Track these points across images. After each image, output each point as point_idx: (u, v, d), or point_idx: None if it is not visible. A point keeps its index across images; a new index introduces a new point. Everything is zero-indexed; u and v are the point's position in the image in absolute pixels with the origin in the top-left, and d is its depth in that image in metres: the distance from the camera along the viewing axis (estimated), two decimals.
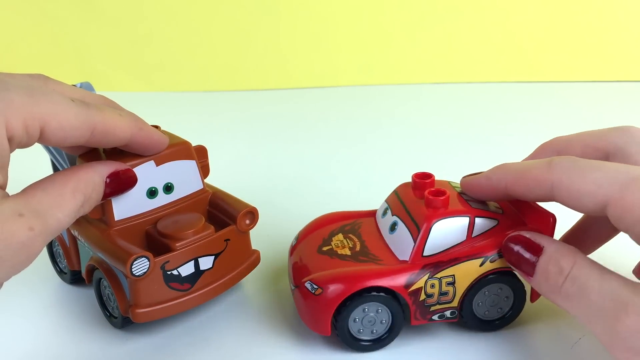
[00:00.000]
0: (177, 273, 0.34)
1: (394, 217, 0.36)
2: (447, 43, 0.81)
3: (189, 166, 0.37)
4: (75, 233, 0.36)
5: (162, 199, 0.36)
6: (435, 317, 0.34)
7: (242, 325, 0.37)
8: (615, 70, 0.80)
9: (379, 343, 0.34)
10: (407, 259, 0.33)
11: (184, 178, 0.37)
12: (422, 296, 0.33)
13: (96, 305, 0.38)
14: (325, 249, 0.36)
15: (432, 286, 0.33)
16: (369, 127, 0.68)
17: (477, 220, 0.33)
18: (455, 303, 0.33)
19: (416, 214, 0.34)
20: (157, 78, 0.82)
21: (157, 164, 0.36)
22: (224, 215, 0.38)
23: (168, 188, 0.36)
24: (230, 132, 0.67)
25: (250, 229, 0.37)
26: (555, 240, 0.31)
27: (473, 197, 0.35)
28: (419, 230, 0.33)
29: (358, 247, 0.36)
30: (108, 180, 0.32)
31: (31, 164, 0.57)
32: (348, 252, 0.35)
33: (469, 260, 0.33)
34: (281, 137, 0.66)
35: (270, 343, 0.35)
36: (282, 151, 0.62)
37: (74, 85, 0.42)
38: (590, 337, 0.34)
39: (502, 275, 0.33)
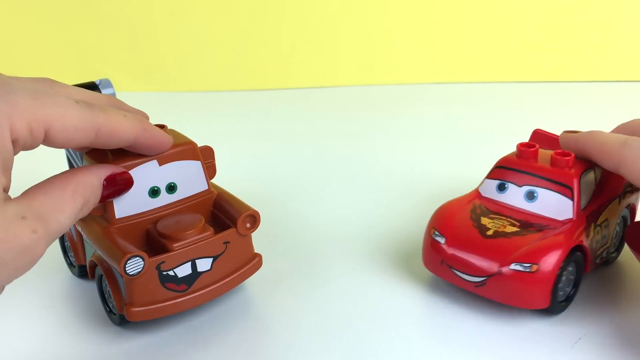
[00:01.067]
0: (174, 274, 0.34)
1: (525, 186, 0.38)
2: (447, 43, 0.80)
3: (194, 166, 0.37)
4: (80, 228, 0.37)
5: (165, 199, 0.36)
6: (597, 261, 0.38)
7: (243, 326, 0.37)
8: (615, 71, 0.78)
9: (569, 301, 0.37)
10: (572, 217, 0.36)
11: (188, 178, 0.37)
12: (594, 244, 0.37)
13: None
14: (490, 232, 0.36)
15: (597, 233, 0.37)
16: (369, 127, 0.68)
17: (596, 169, 0.37)
18: (609, 242, 0.39)
19: (556, 176, 0.37)
20: (157, 78, 0.83)
21: (160, 164, 0.36)
22: (226, 217, 0.37)
23: (171, 188, 0.36)
24: (230, 132, 0.68)
25: (251, 232, 0.37)
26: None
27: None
28: (571, 188, 0.36)
29: (515, 221, 0.37)
30: (105, 183, 0.32)
31: (34, 167, 0.59)
32: (515, 228, 0.36)
33: (610, 202, 0.38)
34: (281, 137, 0.66)
35: (271, 345, 0.35)
36: (282, 151, 0.62)
37: (94, 82, 0.43)
38: (590, 337, 0.34)
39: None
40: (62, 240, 0.42)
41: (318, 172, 0.57)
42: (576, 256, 0.35)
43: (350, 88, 0.80)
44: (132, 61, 0.83)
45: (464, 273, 0.36)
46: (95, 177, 0.31)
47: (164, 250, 0.35)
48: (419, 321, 0.37)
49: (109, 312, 0.37)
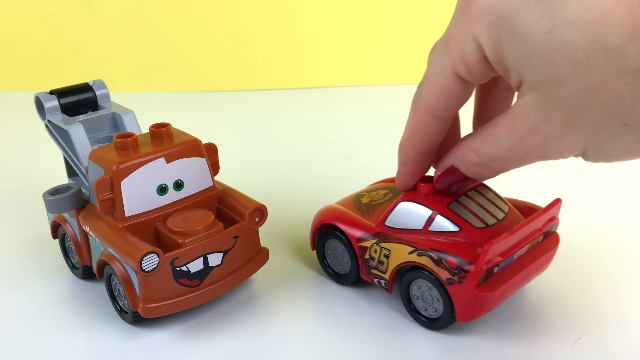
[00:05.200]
0: (187, 269, 0.35)
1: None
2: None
3: (199, 163, 0.38)
4: (87, 229, 0.37)
5: (172, 196, 0.37)
6: (375, 280, 0.37)
7: (252, 321, 0.37)
8: None
9: (342, 277, 0.40)
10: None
11: (194, 175, 0.37)
12: (367, 255, 0.37)
13: (107, 300, 0.38)
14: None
15: (375, 251, 0.37)
16: (368, 126, 0.68)
17: (438, 217, 0.34)
18: (387, 276, 0.36)
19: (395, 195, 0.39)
20: (157, 78, 0.82)
21: (168, 161, 0.36)
22: (233, 212, 0.38)
23: (178, 185, 0.37)
24: (230, 132, 0.68)
25: (259, 226, 0.38)
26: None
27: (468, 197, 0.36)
28: (391, 204, 0.37)
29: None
30: None
31: (35, 167, 0.58)
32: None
33: (407, 245, 0.35)
34: (281, 137, 0.67)
35: (278, 339, 0.35)
36: (282, 151, 0.62)
37: (88, 84, 0.43)
38: (590, 337, 0.34)
39: (419, 270, 0.35)
40: (62, 242, 0.42)
41: (318, 171, 0.57)
42: (343, 240, 0.39)
43: (350, 88, 0.81)
44: (132, 61, 0.82)
45: None
46: None
47: (175, 246, 0.35)
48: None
49: (120, 311, 0.37)
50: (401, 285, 0.36)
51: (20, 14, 0.82)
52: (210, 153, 0.38)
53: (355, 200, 0.41)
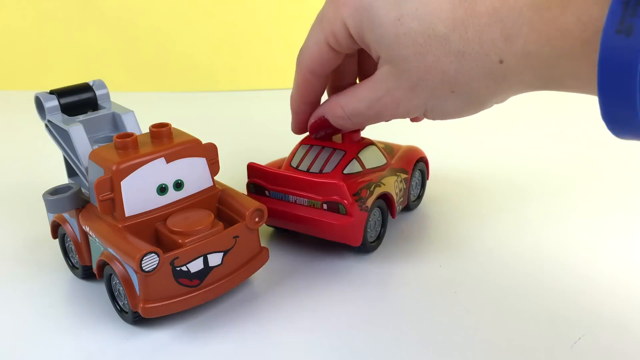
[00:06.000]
0: (186, 269, 0.35)
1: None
2: None
3: (199, 163, 0.38)
4: (87, 229, 0.37)
5: (172, 196, 0.37)
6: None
7: (251, 320, 0.37)
8: None
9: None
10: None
11: (193, 175, 0.37)
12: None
13: (107, 300, 0.38)
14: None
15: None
16: (368, 126, 0.68)
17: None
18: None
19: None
20: (157, 78, 0.82)
21: (168, 161, 0.36)
22: (233, 212, 0.38)
23: (178, 185, 0.37)
24: (230, 132, 0.68)
25: (259, 226, 0.38)
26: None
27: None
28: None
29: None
30: None
31: (35, 167, 0.58)
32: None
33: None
34: (281, 137, 0.66)
35: (278, 339, 0.36)
36: (282, 151, 0.62)
37: (88, 84, 0.43)
38: (590, 337, 0.34)
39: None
40: (62, 242, 0.42)
41: None
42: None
43: None
44: (132, 61, 0.82)
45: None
46: None
47: (175, 246, 0.35)
48: (420, 319, 0.37)
49: (120, 311, 0.37)
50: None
51: (20, 14, 0.82)
52: (210, 153, 0.38)
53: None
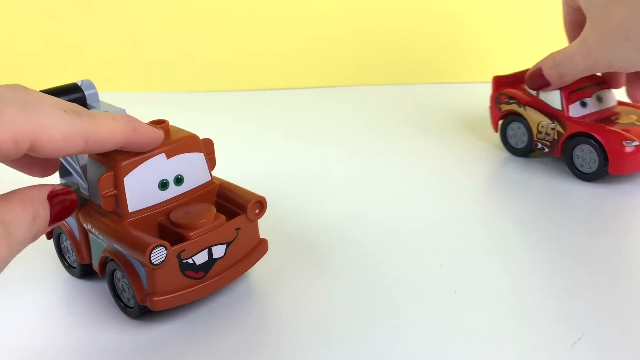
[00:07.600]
0: (192, 261, 0.35)
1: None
2: (447, 43, 0.81)
3: (198, 158, 0.38)
4: (89, 226, 0.37)
5: (173, 191, 0.37)
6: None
7: (252, 312, 0.38)
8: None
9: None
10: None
11: (193, 170, 0.38)
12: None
13: (107, 299, 0.38)
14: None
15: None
16: (367, 126, 0.68)
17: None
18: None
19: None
20: (157, 78, 0.81)
21: (168, 157, 0.37)
22: (233, 205, 0.39)
23: (178, 180, 0.37)
24: (230, 132, 0.68)
25: (259, 217, 0.39)
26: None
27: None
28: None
29: None
30: (49, 198, 0.31)
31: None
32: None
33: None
34: (280, 136, 0.67)
35: (276, 333, 0.36)
36: (282, 151, 0.63)
37: (76, 84, 0.43)
38: (590, 337, 0.34)
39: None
40: (57, 242, 0.41)
41: (318, 171, 0.58)
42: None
43: (350, 88, 0.81)
44: (132, 61, 0.81)
45: None
46: (37, 190, 0.31)
47: (179, 240, 0.36)
48: (419, 319, 0.37)
49: (124, 307, 0.37)
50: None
51: (20, 14, 0.80)
52: (207, 148, 0.39)
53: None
